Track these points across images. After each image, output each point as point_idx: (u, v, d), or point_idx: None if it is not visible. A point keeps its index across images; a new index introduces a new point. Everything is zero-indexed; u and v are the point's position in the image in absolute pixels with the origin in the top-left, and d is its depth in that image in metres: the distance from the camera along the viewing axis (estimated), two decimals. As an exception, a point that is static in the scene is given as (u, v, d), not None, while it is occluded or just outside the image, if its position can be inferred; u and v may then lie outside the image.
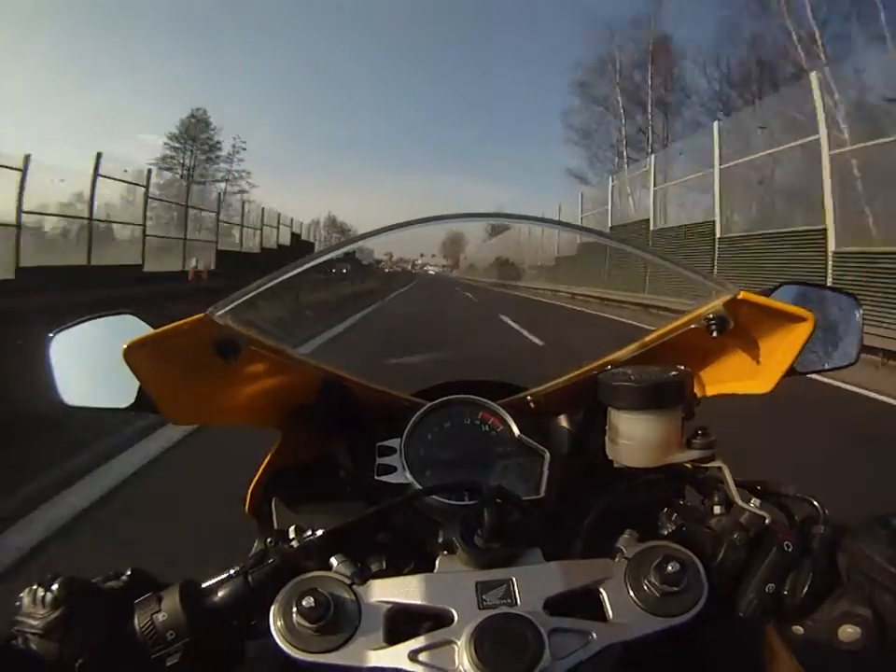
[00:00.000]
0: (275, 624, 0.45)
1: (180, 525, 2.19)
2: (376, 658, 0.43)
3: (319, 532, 0.51)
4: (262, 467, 0.67)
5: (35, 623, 0.44)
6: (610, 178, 20.61)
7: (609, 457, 0.57)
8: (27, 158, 11.60)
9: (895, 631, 0.46)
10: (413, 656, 0.43)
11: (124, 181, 16.18)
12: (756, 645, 0.53)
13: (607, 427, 0.57)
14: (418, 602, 0.46)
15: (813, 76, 9.45)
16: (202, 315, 0.51)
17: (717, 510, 0.53)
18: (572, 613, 0.45)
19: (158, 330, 0.52)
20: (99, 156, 14.63)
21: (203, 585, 0.49)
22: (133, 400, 0.54)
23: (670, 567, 0.46)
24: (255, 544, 0.61)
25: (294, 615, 0.44)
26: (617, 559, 0.49)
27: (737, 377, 0.62)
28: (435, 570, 0.49)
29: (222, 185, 39.65)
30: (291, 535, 0.52)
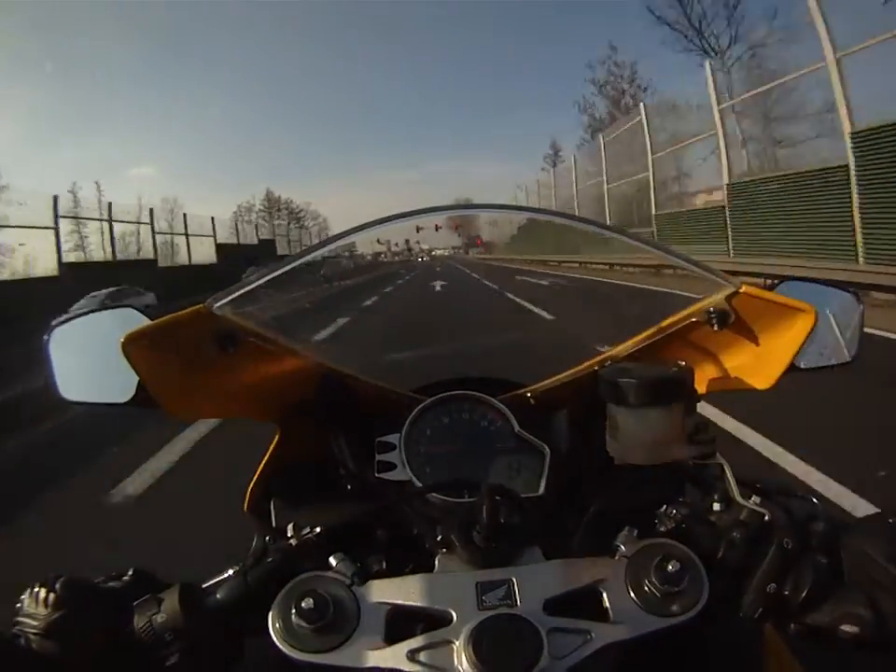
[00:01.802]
0: (274, 625, 0.45)
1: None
2: (375, 658, 0.43)
3: (318, 530, 0.51)
4: (261, 464, 0.67)
5: (36, 623, 0.44)
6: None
7: (610, 454, 0.57)
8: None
9: (895, 631, 0.45)
10: (411, 656, 0.43)
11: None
12: (756, 644, 0.53)
13: (607, 424, 0.57)
14: (417, 602, 0.46)
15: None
16: (200, 305, 0.51)
17: (717, 507, 0.53)
18: (572, 613, 0.45)
19: (155, 322, 0.51)
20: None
21: (203, 586, 0.49)
22: (132, 395, 0.54)
23: (670, 567, 0.46)
24: (254, 543, 0.61)
25: (293, 615, 0.44)
26: (617, 557, 0.49)
27: (738, 372, 0.62)
28: (434, 570, 0.49)
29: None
30: (290, 533, 0.52)
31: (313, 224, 55.06)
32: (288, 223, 51.57)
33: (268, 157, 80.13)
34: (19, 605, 0.45)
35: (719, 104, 12.29)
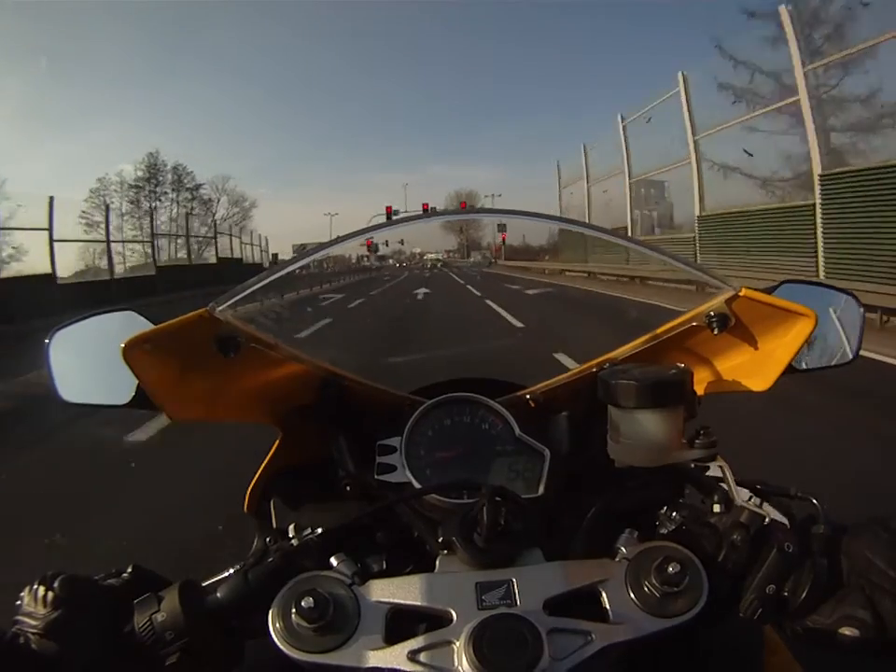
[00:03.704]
0: (274, 624, 0.45)
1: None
2: (375, 658, 0.43)
3: (319, 531, 0.51)
4: (262, 466, 0.67)
5: (35, 622, 0.44)
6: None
7: (610, 456, 0.57)
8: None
9: (894, 633, 0.46)
10: (412, 657, 0.43)
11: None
12: (756, 645, 0.53)
13: (607, 426, 0.57)
14: (418, 602, 0.46)
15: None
16: (202, 310, 0.51)
17: (717, 509, 0.53)
18: (572, 613, 0.45)
19: (157, 327, 0.51)
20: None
21: (203, 585, 0.49)
22: (131, 397, 0.54)
23: (670, 568, 0.46)
24: (255, 543, 0.61)
25: (293, 615, 0.44)
26: (617, 559, 0.49)
27: (737, 375, 0.62)
28: (435, 570, 0.50)
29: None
30: (291, 534, 0.52)
31: (235, 210, 36.38)
32: (190, 204, 32.56)
33: (262, 156, 79.46)
34: (18, 603, 0.45)
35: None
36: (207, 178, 37.00)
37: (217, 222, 29.06)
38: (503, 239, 43.00)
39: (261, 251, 28.73)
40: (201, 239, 24.05)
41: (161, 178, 33.01)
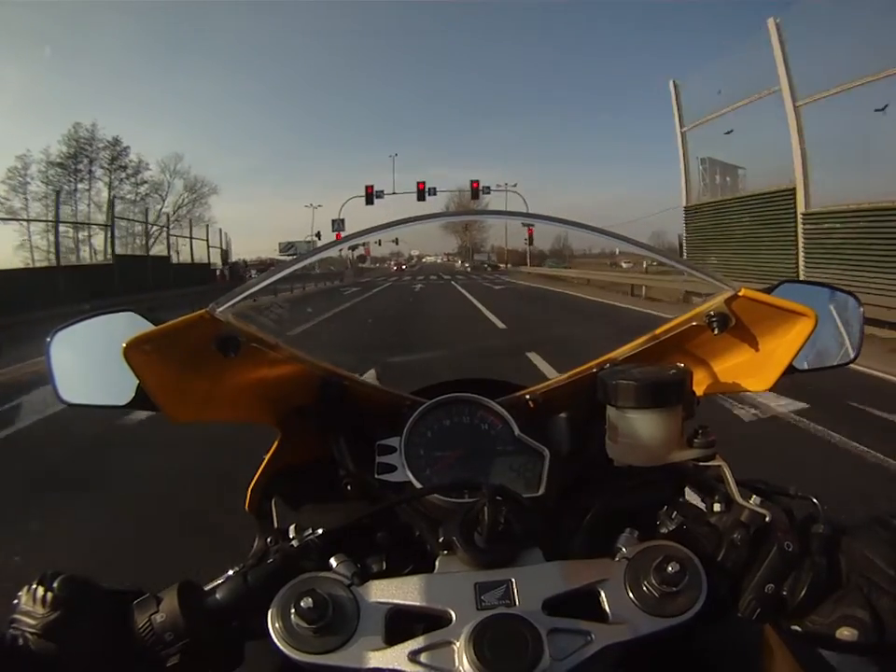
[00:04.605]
0: (274, 625, 0.45)
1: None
2: (375, 659, 0.43)
3: (319, 531, 0.51)
4: (262, 466, 0.67)
5: (33, 622, 0.43)
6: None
7: (610, 456, 0.57)
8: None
9: (893, 633, 0.46)
10: (412, 657, 0.43)
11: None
12: (755, 645, 0.53)
13: (607, 426, 0.57)
14: (417, 603, 0.47)
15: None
16: (203, 311, 0.51)
17: (717, 508, 0.53)
18: (572, 613, 0.45)
19: (158, 327, 0.51)
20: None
21: (202, 586, 0.49)
22: (132, 398, 0.54)
23: (670, 568, 0.46)
24: (255, 543, 0.61)
25: (293, 616, 0.44)
26: (617, 559, 0.50)
27: (737, 375, 0.62)
28: (435, 570, 0.50)
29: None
30: (291, 534, 0.52)
31: (187, 197, 31.11)
32: (124, 183, 27.13)
33: (257, 154, 79.29)
34: (15, 602, 0.45)
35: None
36: (158, 159, 32.28)
37: (168, 211, 25.19)
38: (529, 235, 37.37)
39: (208, 247, 24.52)
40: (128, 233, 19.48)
41: (92, 156, 26.97)
